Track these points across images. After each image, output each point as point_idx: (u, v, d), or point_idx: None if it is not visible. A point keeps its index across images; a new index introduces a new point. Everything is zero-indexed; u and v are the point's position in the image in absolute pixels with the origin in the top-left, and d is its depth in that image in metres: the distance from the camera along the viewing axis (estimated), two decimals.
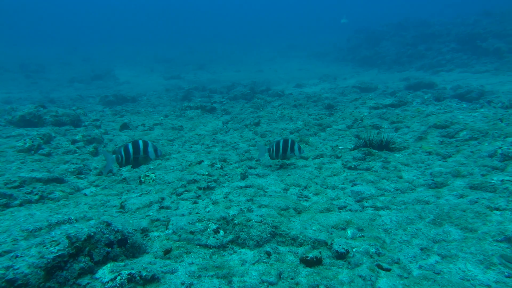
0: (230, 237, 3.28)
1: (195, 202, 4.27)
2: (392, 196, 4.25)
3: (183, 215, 3.74)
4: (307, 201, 4.33)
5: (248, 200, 4.17)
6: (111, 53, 42.13)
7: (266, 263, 2.91)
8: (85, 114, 10.69)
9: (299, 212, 3.88)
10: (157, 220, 3.65)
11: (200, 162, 5.90)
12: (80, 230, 2.61)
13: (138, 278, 2.45)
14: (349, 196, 4.40)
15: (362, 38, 31.39)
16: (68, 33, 64.42)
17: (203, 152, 6.88)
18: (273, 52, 39.64)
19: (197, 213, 3.78)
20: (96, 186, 5.11)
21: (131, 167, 5.43)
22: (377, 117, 8.99)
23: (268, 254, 3.02)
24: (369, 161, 5.46)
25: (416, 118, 8.29)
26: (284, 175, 5.19)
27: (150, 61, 35.32)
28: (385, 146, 6.09)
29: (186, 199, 4.41)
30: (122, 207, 4.16)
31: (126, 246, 2.86)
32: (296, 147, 5.20)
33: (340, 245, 3.01)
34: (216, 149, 7.18)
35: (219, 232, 3.30)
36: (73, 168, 5.55)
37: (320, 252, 2.98)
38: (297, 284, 2.62)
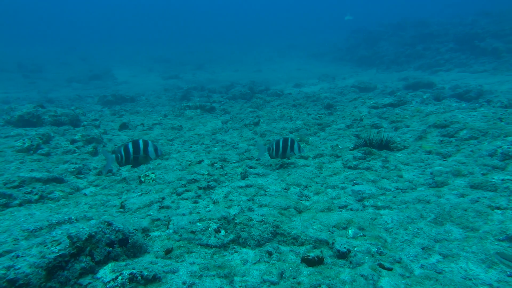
0: (231, 236, 3.28)
1: (195, 202, 4.26)
2: (393, 195, 4.25)
3: (183, 214, 3.72)
4: (307, 200, 4.33)
5: (248, 200, 4.17)
6: (110, 53, 42.04)
7: (268, 262, 2.90)
8: (84, 114, 10.66)
9: (300, 212, 3.88)
10: (158, 219, 3.64)
11: (200, 162, 5.88)
12: (81, 229, 2.60)
13: (139, 278, 2.44)
14: (350, 195, 4.39)
15: (360, 38, 31.46)
16: (66, 32, 64.32)
17: (202, 152, 6.87)
18: (272, 52, 39.59)
19: (197, 212, 3.77)
20: (96, 186, 5.09)
21: (131, 167, 5.42)
22: (377, 117, 8.99)
23: (270, 254, 3.01)
24: (369, 161, 5.46)
25: (415, 118, 8.29)
26: (285, 174, 5.18)
27: (148, 61, 35.24)
28: (385, 145, 6.09)
29: (187, 199, 4.39)
30: (122, 206, 4.14)
31: (127, 246, 2.85)
32: (296, 146, 5.19)
33: (341, 245, 3.01)
34: (215, 148, 7.16)
35: (220, 232, 3.29)
36: (73, 168, 5.54)
37: (321, 252, 2.97)
38: (299, 283, 2.61)
